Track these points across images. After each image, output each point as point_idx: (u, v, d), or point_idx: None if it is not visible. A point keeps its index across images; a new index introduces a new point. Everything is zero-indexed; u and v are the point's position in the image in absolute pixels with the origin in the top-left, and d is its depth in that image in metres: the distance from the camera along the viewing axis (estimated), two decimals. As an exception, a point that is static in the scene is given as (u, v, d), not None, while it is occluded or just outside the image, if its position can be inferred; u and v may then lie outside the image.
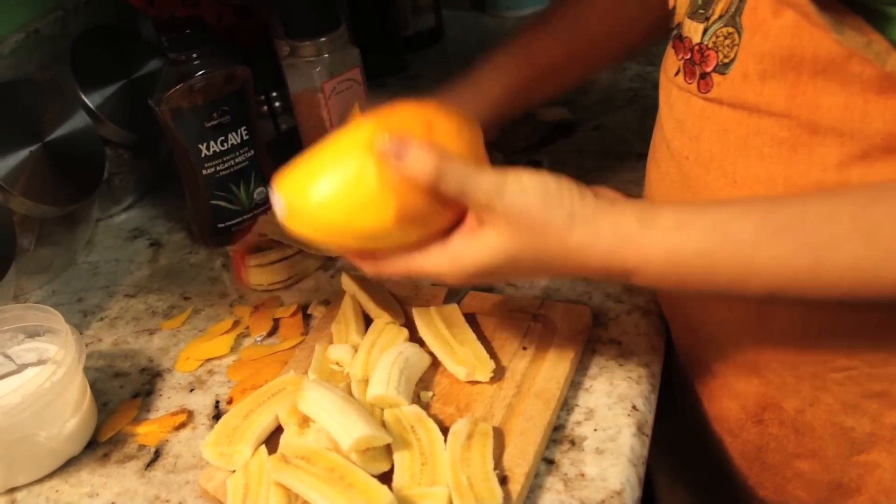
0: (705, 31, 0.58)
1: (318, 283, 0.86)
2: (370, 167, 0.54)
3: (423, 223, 0.57)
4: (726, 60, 0.56)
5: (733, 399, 0.68)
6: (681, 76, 0.61)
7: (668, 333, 0.75)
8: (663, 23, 0.66)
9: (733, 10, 0.55)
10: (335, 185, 0.55)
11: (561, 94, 0.88)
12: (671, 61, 0.63)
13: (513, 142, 1.02)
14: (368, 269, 0.60)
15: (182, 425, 0.71)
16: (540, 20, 0.82)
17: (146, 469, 0.67)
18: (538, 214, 0.52)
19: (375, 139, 0.54)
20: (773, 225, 0.50)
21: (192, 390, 0.75)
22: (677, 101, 0.62)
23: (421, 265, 0.57)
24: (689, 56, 0.60)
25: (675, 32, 0.62)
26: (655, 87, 0.70)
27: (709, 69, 0.57)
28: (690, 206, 0.53)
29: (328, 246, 0.60)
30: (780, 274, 0.50)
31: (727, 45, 0.56)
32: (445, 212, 0.56)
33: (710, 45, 0.57)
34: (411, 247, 0.57)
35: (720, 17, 0.56)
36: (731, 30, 0.55)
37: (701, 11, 0.58)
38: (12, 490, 0.67)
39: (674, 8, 0.62)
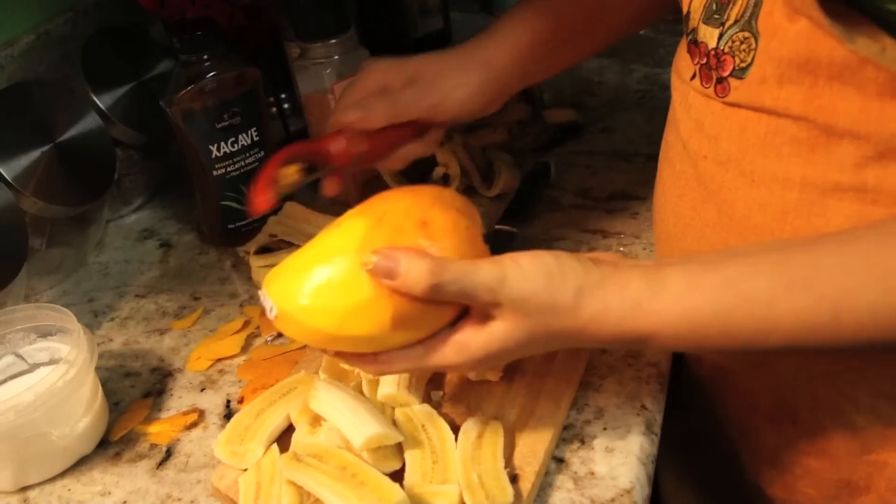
0: (721, 35, 0.58)
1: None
2: (362, 272, 0.52)
3: (423, 325, 0.55)
4: (743, 65, 0.56)
5: (744, 397, 0.68)
6: (697, 80, 0.61)
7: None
8: None
9: (749, 14, 0.55)
10: (326, 290, 0.53)
11: (581, 59, 0.88)
12: (685, 65, 0.63)
13: (521, 143, 1.03)
14: (370, 370, 0.58)
15: (193, 424, 0.71)
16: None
17: (158, 468, 0.68)
18: (545, 298, 0.52)
19: (363, 256, 0.52)
20: (787, 279, 0.50)
21: (203, 390, 0.75)
22: (695, 102, 0.62)
23: (426, 361, 0.56)
24: (704, 61, 0.60)
25: (689, 37, 0.62)
26: (663, 88, 0.70)
27: (725, 74, 0.58)
28: (698, 265, 0.53)
29: (322, 349, 0.58)
30: (799, 328, 0.50)
31: (744, 50, 0.56)
32: (446, 311, 0.55)
33: (727, 49, 0.57)
34: (412, 344, 0.56)
35: (735, 21, 0.56)
36: (747, 34, 0.55)
37: (716, 17, 0.58)
38: (25, 488, 0.68)
39: (688, 13, 0.62)
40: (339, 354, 0.58)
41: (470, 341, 0.54)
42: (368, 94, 0.75)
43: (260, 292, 0.57)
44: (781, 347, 0.52)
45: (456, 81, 0.76)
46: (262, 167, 0.70)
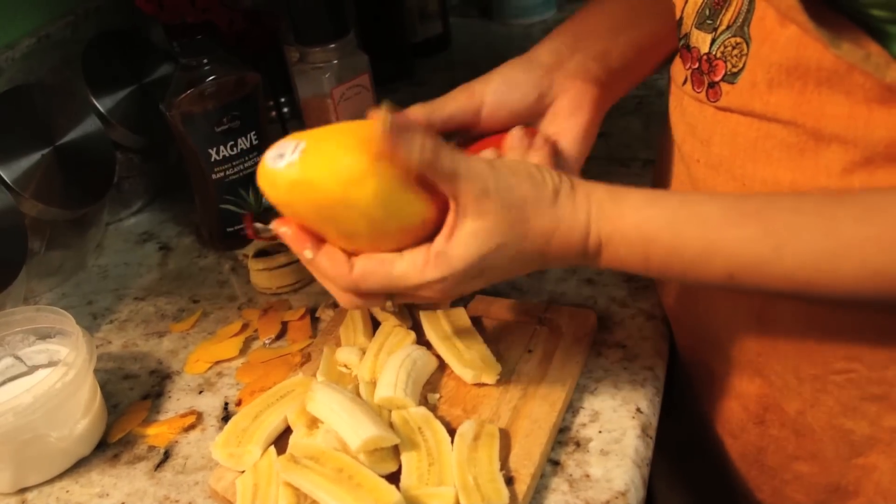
0: (713, 41, 0.58)
1: (326, 286, 0.87)
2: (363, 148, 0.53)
3: (402, 214, 0.54)
4: (735, 70, 0.56)
5: (735, 400, 0.69)
6: (689, 85, 0.62)
7: (671, 336, 0.76)
8: None
9: (741, 20, 0.56)
10: (327, 156, 0.53)
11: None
12: (679, 69, 0.64)
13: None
14: (345, 282, 0.56)
15: (191, 427, 0.72)
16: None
17: (156, 470, 0.68)
18: (528, 190, 0.54)
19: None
20: (741, 209, 0.52)
21: (201, 392, 0.75)
22: (689, 107, 0.62)
23: (404, 271, 0.55)
24: (696, 66, 0.60)
25: (682, 42, 0.63)
26: (660, 94, 0.70)
27: (717, 78, 0.58)
28: (664, 190, 0.55)
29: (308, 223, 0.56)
30: (742, 256, 0.51)
31: (735, 55, 0.56)
32: (428, 206, 0.55)
33: (719, 54, 0.58)
34: (390, 250, 0.55)
35: (728, 27, 0.57)
36: (739, 40, 0.56)
37: (709, 22, 0.59)
38: (23, 490, 0.68)
39: (681, 18, 0.63)
40: (321, 249, 0.57)
41: (448, 250, 0.54)
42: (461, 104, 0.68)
43: (284, 142, 0.55)
44: (722, 275, 0.52)
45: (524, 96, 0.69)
46: None
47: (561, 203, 0.54)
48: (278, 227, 0.57)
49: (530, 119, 0.67)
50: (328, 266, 0.56)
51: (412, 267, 0.55)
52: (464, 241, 0.54)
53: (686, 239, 0.52)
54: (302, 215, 0.56)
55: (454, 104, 0.66)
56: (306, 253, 0.57)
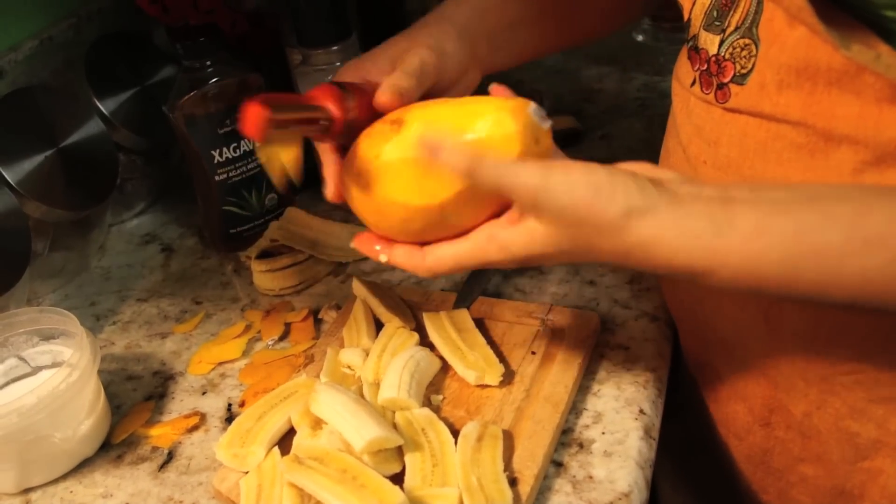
0: (722, 42, 0.58)
1: (329, 287, 0.87)
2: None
3: (466, 212, 0.57)
4: (744, 71, 0.57)
5: (741, 402, 0.69)
6: (697, 87, 0.62)
7: (674, 338, 0.76)
8: None
9: (749, 21, 0.56)
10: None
11: (553, 49, 0.85)
12: (685, 71, 0.64)
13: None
14: (423, 269, 0.58)
15: (195, 428, 0.72)
16: None
17: (159, 470, 0.68)
18: (587, 213, 0.49)
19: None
20: (864, 236, 0.47)
21: (204, 393, 0.76)
22: (696, 108, 0.62)
23: (470, 252, 0.56)
24: (705, 67, 0.60)
25: (690, 44, 0.63)
26: (662, 96, 0.71)
27: (726, 80, 0.58)
28: (768, 205, 0.49)
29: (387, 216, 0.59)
30: (866, 287, 0.48)
31: (744, 57, 0.56)
32: (486, 205, 0.56)
33: (727, 56, 0.58)
34: (457, 234, 0.57)
35: (736, 28, 0.57)
36: (748, 41, 0.56)
37: (717, 23, 0.59)
38: (27, 490, 0.68)
39: (689, 20, 0.63)
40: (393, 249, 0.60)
41: (510, 242, 0.53)
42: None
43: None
44: (842, 303, 0.50)
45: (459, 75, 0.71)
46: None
47: (635, 227, 0.49)
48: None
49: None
50: (405, 260, 0.59)
51: (478, 249, 0.55)
52: (522, 236, 0.53)
53: (802, 276, 0.48)
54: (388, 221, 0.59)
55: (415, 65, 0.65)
56: (381, 257, 0.60)
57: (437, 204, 0.56)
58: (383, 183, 0.58)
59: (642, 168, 0.52)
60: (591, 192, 0.49)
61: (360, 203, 0.60)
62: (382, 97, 0.61)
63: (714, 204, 0.49)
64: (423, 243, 0.59)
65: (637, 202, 0.49)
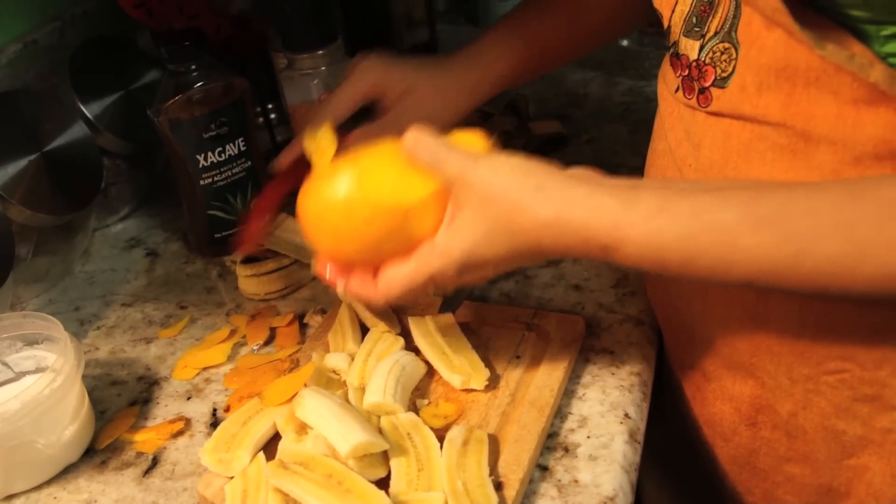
0: (702, 47, 0.59)
1: (315, 292, 0.87)
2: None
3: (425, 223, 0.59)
4: (724, 75, 0.57)
5: (727, 402, 0.69)
6: (680, 92, 0.62)
7: (659, 342, 0.76)
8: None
9: (728, 26, 0.56)
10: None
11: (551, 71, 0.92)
12: (670, 77, 0.64)
13: (506, 154, 1.03)
14: (376, 296, 0.62)
15: (179, 433, 0.71)
16: (536, 4, 0.85)
17: (144, 476, 0.68)
18: (505, 186, 0.54)
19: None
20: (756, 215, 0.50)
21: (189, 398, 0.75)
22: (685, 113, 0.63)
23: (416, 268, 0.59)
24: (686, 73, 0.61)
25: (671, 51, 0.64)
26: (647, 100, 0.71)
27: (707, 84, 0.59)
28: (671, 191, 0.53)
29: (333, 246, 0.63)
30: (761, 264, 0.50)
31: (724, 60, 0.57)
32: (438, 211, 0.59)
33: (708, 60, 0.58)
34: (404, 253, 0.60)
35: (716, 33, 0.58)
36: (727, 45, 0.57)
37: (696, 29, 0.60)
38: (10, 497, 0.68)
39: (669, 27, 0.64)
40: (348, 276, 0.63)
41: (448, 242, 0.57)
42: (362, 98, 0.78)
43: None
44: (741, 281, 0.52)
45: (447, 103, 0.81)
46: (259, 204, 0.76)
47: (547, 202, 0.53)
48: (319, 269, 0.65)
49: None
50: (360, 287, 0.63)
51: (422, 262, 0.59)
52: (454, 232, 0.57)
53: (701, 250, 0.51)
54: (341, 238, 0.61)
55: (406, 126, 0.68)
56: (339, 287, 0.64)
57: (402, 207, 0.58)
58: (355, 180, 0.60)
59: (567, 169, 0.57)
60: (508, 169, 0.55)
61: (321, 209, 0.62)
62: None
63: (622, 188, 0.54)
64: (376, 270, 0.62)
65: (547, 180, 0.54)
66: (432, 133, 0.58)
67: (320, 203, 0.61)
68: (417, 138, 0.58)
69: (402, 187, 0.59)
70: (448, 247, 0.57)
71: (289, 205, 0.96)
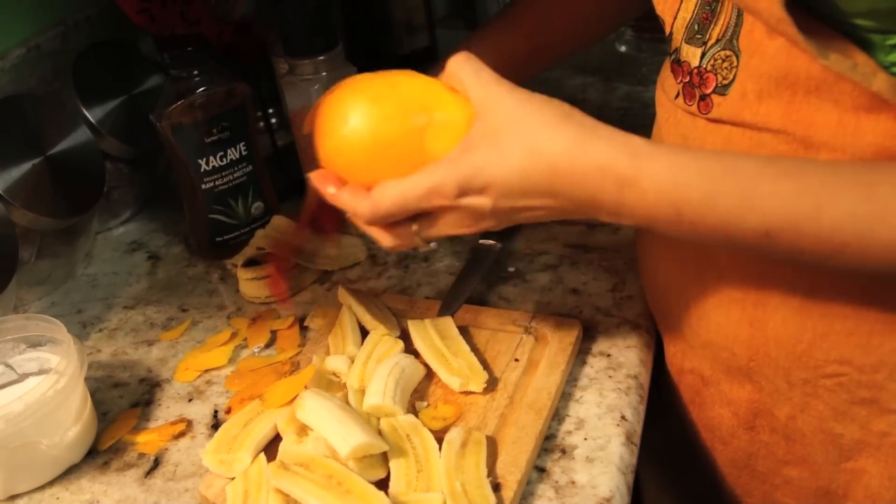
0: (703, 54, 0.59)
1: (315, 295, 0.87)
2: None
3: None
4: (725, 82, 0.58)
5: (726, 406, 0.70)
6: (681, 99, 0.63)
7: (656, 345, 0.77)
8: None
9: (730, 33, 0.57)
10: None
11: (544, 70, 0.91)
12: (670, 83, 0.65)
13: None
14: (377, 235, 0.62)
15: (181, 434, 0.72)
16: (504, 16, 0.86)
17: (146, 477, 0.69)
18: (534, 109, 0.55)
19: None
20: (777, 166, 0.51)
21: (190, 400, 0.76)
22: (682, 119, 0.63)
23: (415, 179, 0.58)
24: (688, 79, 0.61)
25: (672, 57, 0.64)
26: (645, 106, 0.72)
27: (708, 91, 0.59)
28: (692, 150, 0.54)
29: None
30: (780, 212, 0.50)
31: (726, 68, 0.57)
32: None
33: (709, 67, 0.59)
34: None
35: (717, 41, 0.58)
36: (728, 53, 0.57)
37: (698, 37, 0.60)
38: (13, 497, 0.68)
39: (671, 34, 0.64)
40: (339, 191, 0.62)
41: (458, 153, 0.57)
42: None
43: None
44: (758, 231, 0.51)
45: None
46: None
47: (572, 125, 0.54)
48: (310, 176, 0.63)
49: None
50: (349, 199, 0.61)
51: (423, 173, 0.58)
52: (467, 144, 0.57)
53: (721, 189, 0.51)
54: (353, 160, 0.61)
55: None
56: (329, 189, 0.61)
57: (420, 130, 0.59)
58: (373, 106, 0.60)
59: None
60: (543, 99, 0.56)
61: (331, 113, 0.61)
62: None
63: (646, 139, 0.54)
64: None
65: (581, 114, 0.56)
66: (476, 64, 0.59)
67: (338, 129, 0.61)
68: (467, 57, 0.59)
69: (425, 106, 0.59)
70: (456, 156, 0.56)
71: (287, 207, 0.97)
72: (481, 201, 0.57)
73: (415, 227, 0.60)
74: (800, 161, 0.52)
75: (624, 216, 0.54)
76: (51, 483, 0.69)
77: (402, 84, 0.61)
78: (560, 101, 0.56)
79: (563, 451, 0.65)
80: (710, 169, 0.51)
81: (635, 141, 0.53)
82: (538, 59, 0.88)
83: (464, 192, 0.56)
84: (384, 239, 0.62)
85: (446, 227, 0.59)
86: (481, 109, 0.57)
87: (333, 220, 0.69)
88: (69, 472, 0.70)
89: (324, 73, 0.90)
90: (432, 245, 0.60)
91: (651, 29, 1.31)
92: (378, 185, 0.59)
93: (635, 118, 1.13)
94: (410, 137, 0.59)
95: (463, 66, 0.59)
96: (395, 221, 0.60)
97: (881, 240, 0.48)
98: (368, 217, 0.60)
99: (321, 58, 0.90)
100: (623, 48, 1.33)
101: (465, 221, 0.59)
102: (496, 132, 0.55)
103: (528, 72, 0.88)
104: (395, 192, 0.58)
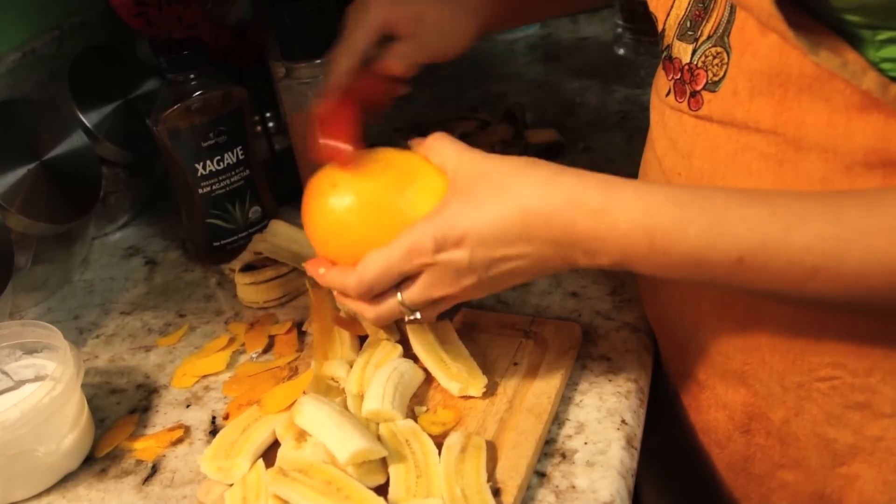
0: (694, 51, 0.60)
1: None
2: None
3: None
4: (716, 79, 0.58)
5: (721, 410, 0.70)
6: (672, 96, 0.63)
7: (655, 349, 0.77)
8: None
9: (721, 30, 0.57)
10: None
11: (544, 17, 0.94)
12: (662, 82, 0.65)
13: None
14: (364, 311, 0.64)
15: (179, 441, 0.72)
16: None
17: (143, 484, 0.68)
18: (501, 162, 0.58)
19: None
20: (745, 193, 0.52)
21: (188, 406, 0.76)
22: (670, 120, 0.64)
23: (395, 243, 0.59)
24: (678, 76, 0.62)
25: (664, 54, 0.64)
26: (644, 109, 0.72)
27: (699, 87, 0.59)
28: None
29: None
30: (750, 236, 0.50)
31: (716, 65, 0.57)
32: None
33: (700, 64, 0.59)
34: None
35: (709, 37, 0.58)
36: (719, 49, 0.57)
37: (690, 33, 0.60)
38: (10, 505, 0.68)
39: (663, 30, 0.64)
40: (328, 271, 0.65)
41: (433, 213, 0.59)
42: (376, 33, 0.77)
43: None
44: (729, 260, 0.51)
45: (454, 28, 0.80)
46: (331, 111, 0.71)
47: (540, 167, 0.57)
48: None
49: None
50: (337, 276, 0.63)
51: (402, 237, 0.59)
52: (441, 204, 0.59)
53: (692, 214, 0.52)
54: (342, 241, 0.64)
55: (424, 57, 0.77)
56: (320, 270, 0.65)
57: (404, 213, 0.61)
58: (358, 197, 0.63)
59: None
60: (508, 157, 0.59)
61: (328, 220, 0.64)
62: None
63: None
64: None
65: (544, 162, 0.58)
66: (449, 138, 0.62)
67: (327, 214, 0.63)
68: (443, 135, 0.62)
69: (405, 194, 0.62)
70: (431, 214, 0.59)
71: (285, 210, 0.97)
72: (458, 254, 0.58)
73: (398, 294, 0.62)
74: (768, 191, 0.52)
75: (598, 251, 0.55)
76: (48, 491, 0.69)
77: (384, 162, 0.64)
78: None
79: (564, 456, 0.65)
80: (679, 196, 0.52)
81: (603, 175, 0.55)
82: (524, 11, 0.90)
83: (440, 246, 0.58)
84: (369, 312, 0.63)
85: (427, 288, 0.61)
86: (456, 173, 0.60)
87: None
88: (66, 480, 0.69)
89: (321, 77, 0.90)
90: (416, 314, 0.61)
91: (649, 32, 1.31)
92: (363, 258, 0.61)
93: (634, 121, 1.13)
94: (392, 213, 0.61)
95: (440, 141, 0.62)
96: (381, 293, 0.62)
97: (852, 263, 0.48)
98: (355, 288, 0.62)
99: (318, 61, 0.90)
100: (621, 51, 1.33)
101: (444, 279, 0.60)
102: (468, 188, 0.58)
103: (517, 17, 0.93)
104: (378, 259, 0.60)
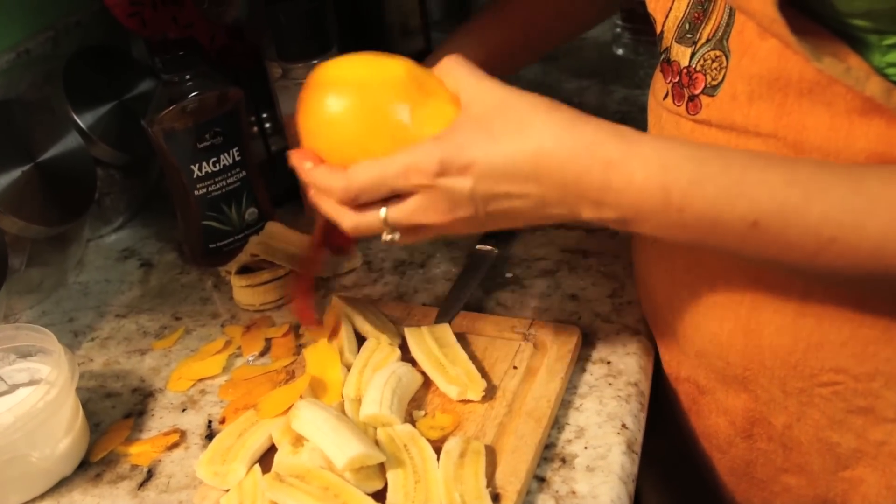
0: (693, 54, 0.59)
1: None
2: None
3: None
4: (714, 83, 0.57)
5: (722, 415, 0.69)
6: (669, 99, 0.62)
7: (655, 352, 0.76)
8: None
9: (720, 33, 0.56)
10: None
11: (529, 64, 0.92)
12: (660, 85, 0.64)
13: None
14: (343, 216, 0.60)
15: (175, 445, 0.71)
16: (490, 9, 0.85)
17: (139, 489, 0.67)
18: (522, 97, 0.55)
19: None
20: (766, 158, 0.51)
21: (184, 410, 0.75)
22: (668, 124, 0.63)
23: (393, 157, 0.56)
24: (677, 79, 0.61)
25: (662, 57, 0.64)
26: (642, 110, 0.71)
27: (697, 91, 0.59)
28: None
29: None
30: (768, 200, 0.49)
31: (715, 68, 0.57)
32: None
33: (698, 67, 0.58)
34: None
35: (708, 40, 0.58)
36: (718, 53, 0.56)
37: (688, 36, 0.60)
38: (4, 511, 0.67)
39: (661, 33, 0.64)
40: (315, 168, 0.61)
41: (441, 134, 0.56)
42: None
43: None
44: (744, 224, 0.50)
45: None
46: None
47: (561, 111, 0.54)
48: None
49: None
50: (323, 174, 0.59)
51: (402, 152, 0.56)
52: (451, 126, 0.56)
53: (710, 172, 0.50)
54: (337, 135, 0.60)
55: None
56: (307, 164, 0.61)
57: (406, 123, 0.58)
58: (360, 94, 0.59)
59: None
60: (531, 94, 0.56)
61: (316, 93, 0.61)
62: None
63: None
64: None
65: (567, 107, 0.55)
66: (467, 63, 0.58)
67: (326, 107, 0.60)
68: (459, 57, 0.58)
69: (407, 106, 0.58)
70: (441, 135, 0.55)
71: (282, 213, 0.96)
72: (461, 183, 0.55)
73: (384, 209, 0.58)
74: (788, 157, 0.51)
75: (608, 204, 0.53)
76: (42, 496, 0.68)
77: (393, 69, 0.60)
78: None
79: (564, 461, 0.64)
80: (699, 154, 0.51)
81: (624, 127, 0.53)
82: (525, 52, 0.89)
83: (444, 169, 0.54)
84: (348, 219, 0.59)
85: (417, 210, 0.57)
86: (471, 100, 0.56)
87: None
88: (61, 485, 0.69)
89: (318, 77, 0.89)
90: (396, 235, 0.58)
91: (648, 32, 1.30)
92: (355, 164, 0.58)
93: (632, 122, 1.11)
94: (395, 125, 0.58)
95: (456, 64, 0.58)
96: (365, 203, 0.58)
97: (870, 234, 0.47)
98: (340, 193, 0.58)
99: (315, 61, 0.89)
100: (620, 51, 1.33)
101: (438, 206, 0.56)
102: (485, 117, 0.55)
103: (516, 64, 0.90)
104: (372, 167, 0.56)
